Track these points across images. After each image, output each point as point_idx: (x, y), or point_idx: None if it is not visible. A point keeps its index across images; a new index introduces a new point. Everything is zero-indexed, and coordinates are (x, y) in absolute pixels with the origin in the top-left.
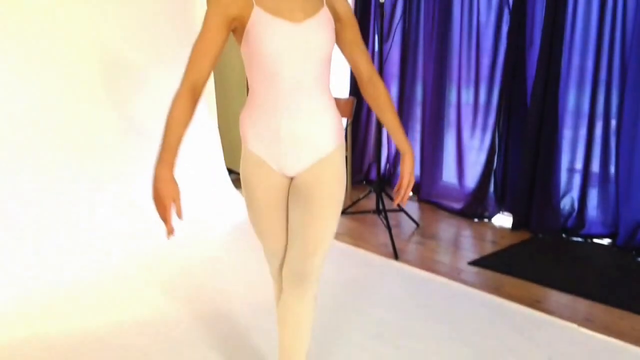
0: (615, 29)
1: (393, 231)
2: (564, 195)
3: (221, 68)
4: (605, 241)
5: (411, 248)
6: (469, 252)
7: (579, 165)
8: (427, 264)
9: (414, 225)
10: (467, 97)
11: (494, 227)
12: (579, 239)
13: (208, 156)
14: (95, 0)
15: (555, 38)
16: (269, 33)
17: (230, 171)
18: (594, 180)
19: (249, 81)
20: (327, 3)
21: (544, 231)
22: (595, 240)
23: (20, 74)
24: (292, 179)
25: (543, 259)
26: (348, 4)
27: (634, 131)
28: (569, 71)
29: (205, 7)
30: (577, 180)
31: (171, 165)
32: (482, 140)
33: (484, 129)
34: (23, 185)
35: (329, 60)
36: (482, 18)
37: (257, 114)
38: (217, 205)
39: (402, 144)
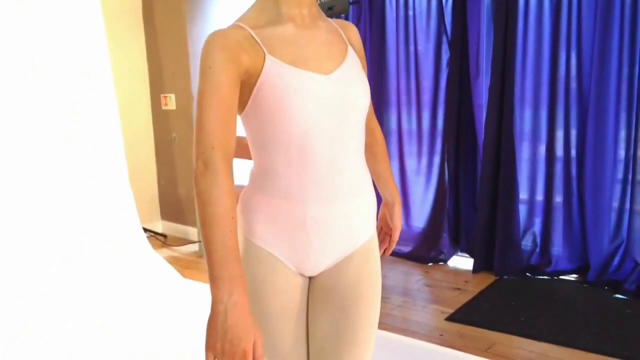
0: (570, 50)
1: None
2: (525, 231)
3: (126, 111)
4: (573, 277)
5: None
6: (440, 304)
7: (539, 196)
8: (401, 325)
9: None
10: (409, 123)
11: (452, 272)
12: (546, 277)
13: (121, 215)
14: None
15: (508, 64)
16: (293, 92)
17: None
18: (557, 212)
19: (255, 156)
20: (348, 40)
21: (508, 272)
22: (563, 277)
23: None
24: (310, 279)
25: (519, 306)
26: (360, 37)
27: (597, 155)
28: (523, 96)
29: None
30: (538, 212)
31: (244, 287)
32: (429, 170)
33: (430, 158)
34: None
35: (365, 117)
36: (420, 47)
37: (271, 199)
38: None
39: (394, 193)
